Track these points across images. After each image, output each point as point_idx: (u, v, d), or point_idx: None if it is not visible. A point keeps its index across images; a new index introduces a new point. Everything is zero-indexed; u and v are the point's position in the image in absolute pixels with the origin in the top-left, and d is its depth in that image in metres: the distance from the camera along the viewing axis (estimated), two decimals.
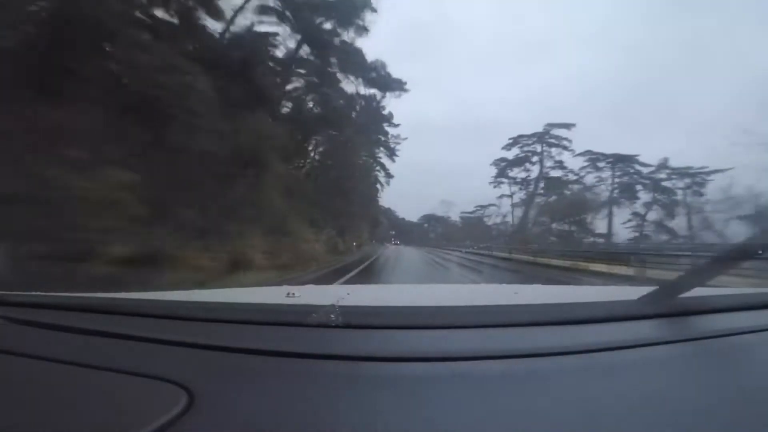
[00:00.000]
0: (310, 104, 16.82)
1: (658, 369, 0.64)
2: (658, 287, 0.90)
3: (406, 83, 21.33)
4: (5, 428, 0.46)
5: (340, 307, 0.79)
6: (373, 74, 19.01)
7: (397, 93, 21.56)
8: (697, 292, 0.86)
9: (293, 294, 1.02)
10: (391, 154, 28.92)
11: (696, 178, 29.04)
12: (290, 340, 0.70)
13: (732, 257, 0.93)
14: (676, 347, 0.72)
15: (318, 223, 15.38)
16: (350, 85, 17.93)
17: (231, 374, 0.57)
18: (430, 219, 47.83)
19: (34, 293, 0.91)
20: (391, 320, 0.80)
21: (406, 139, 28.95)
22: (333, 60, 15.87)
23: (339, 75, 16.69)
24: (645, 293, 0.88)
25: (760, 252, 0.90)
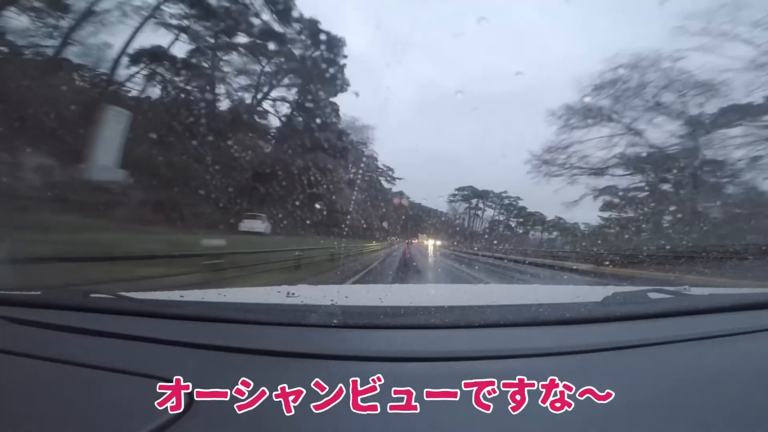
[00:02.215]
0: None
1: (660, 368, 0.64)
2: (667, 287, 0.90)
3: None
4: (5, 428, 0.46)
5: (339, 307, 0.79)
6: None
7: None
8: (700, 291, 0.86)
9: (293, 294, 1.02)
10: None
11: None
12: (290, 340, 0.70)
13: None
14: (678, 347, 0.72)
15: None
16: None
17: (231, 374, 0.57)
18: (469, 195, 25.07)
19: (34, 293, 0.90)
20: (390, 320, 0.79)
21: None
22: None
23: None
24: (651, 293, 0.88)
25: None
